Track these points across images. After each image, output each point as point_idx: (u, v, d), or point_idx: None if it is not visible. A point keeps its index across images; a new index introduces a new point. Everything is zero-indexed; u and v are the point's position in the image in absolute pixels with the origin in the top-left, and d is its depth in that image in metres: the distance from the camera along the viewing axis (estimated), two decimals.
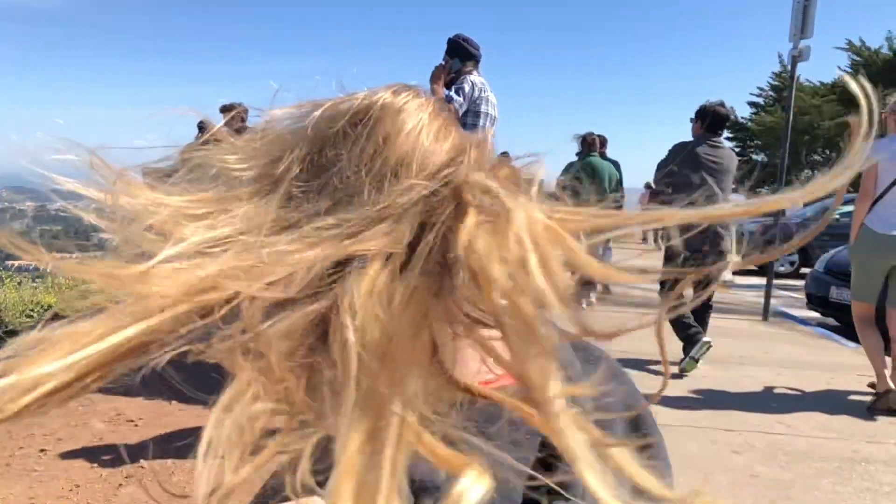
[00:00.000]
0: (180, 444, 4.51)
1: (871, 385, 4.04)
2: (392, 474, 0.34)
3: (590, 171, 6.17)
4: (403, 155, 0.45)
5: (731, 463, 3.01)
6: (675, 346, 4.72)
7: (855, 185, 4.19)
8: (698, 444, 3.18)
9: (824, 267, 6.61)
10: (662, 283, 4.79)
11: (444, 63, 3.91)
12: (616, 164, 6.51)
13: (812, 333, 6.28)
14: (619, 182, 6.36)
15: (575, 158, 6.41)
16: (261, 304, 0.39)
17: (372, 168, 0.45)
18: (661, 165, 4.62)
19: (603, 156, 6.56)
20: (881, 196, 3.70)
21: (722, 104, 4.50)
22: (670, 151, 4.57)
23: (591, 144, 6.32)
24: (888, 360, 3.92)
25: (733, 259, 0.47)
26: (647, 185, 17.15)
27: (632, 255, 0.60)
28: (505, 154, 0.55)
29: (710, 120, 4.43)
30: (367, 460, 0.34)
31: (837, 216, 10.84)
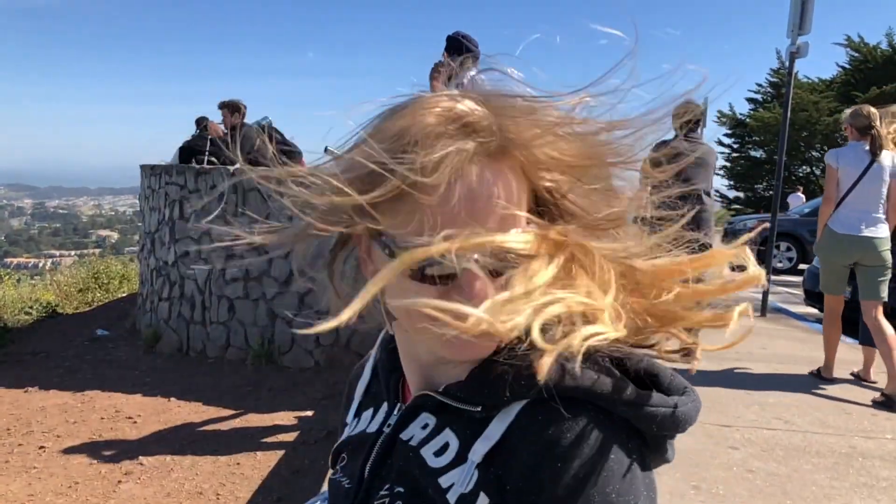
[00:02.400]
0: (179, 440, 4.52)
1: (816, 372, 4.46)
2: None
3: None
4: None
5: (727, 458, 3.02)
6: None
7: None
8: (695, 439, 3.19)
9: None
10: None
11: (443, 60, 3.92)
12: None
13: (809, 329, 6.29)
14: None
15: None
16: None
17: None
18: None
19: None
20: (842, 200, 4.04)
21: (690, 101, 4.63)
22: (651, 149, 4.72)
23: None
24: (870, 351, 4.29)
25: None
26: None
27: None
28: None
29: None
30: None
31: None
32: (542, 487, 0.53)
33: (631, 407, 0.55)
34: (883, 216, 4.02)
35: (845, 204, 4.03)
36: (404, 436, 0.63)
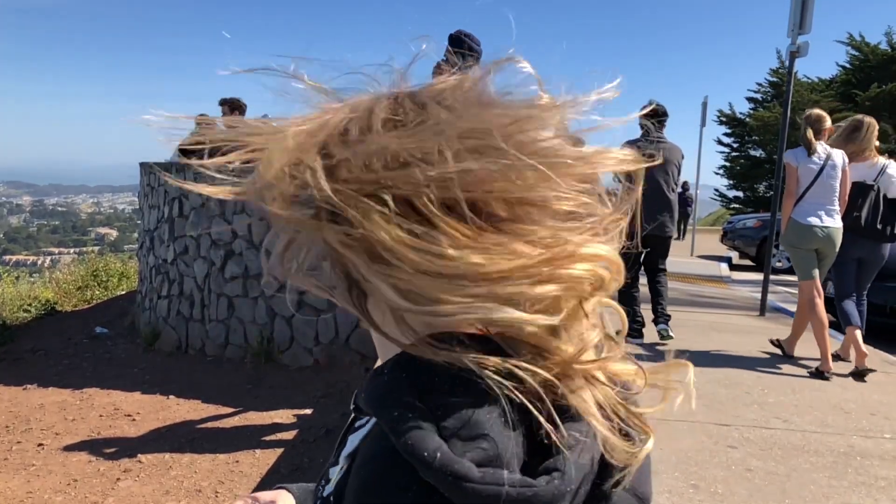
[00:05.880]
0: (178, 438, 4.52)
1: (776, 343, 5.02)
2: None
3: None
4: None
5: (726, 457, 3.03)
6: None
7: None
8: (694, 439, 3.19)
9: None
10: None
11: (445, 59, 3.94)
12: None
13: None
14: None
15: None
16: None
17: None
18: None
19: None
20: (803, 194, 4.50)
21: (650, 103, 5.05)
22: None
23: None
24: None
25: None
26: None
27: None
28: None
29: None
30: None
31: None
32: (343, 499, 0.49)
33: (412, 458, 0.42)
34: (838, 208, 4.50)
35: (806, 198, 4.49)
36: (358, 422, 0.60)
